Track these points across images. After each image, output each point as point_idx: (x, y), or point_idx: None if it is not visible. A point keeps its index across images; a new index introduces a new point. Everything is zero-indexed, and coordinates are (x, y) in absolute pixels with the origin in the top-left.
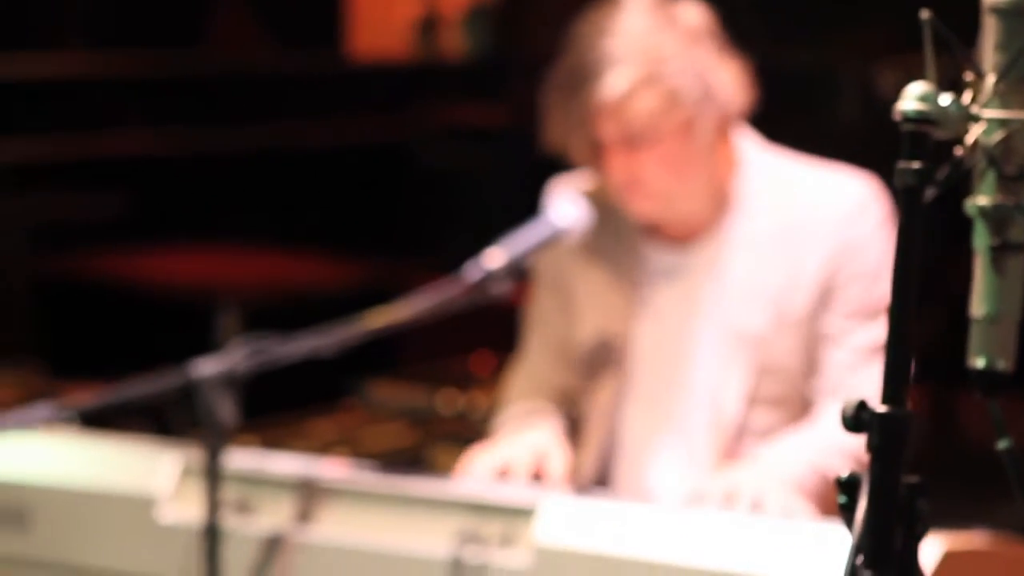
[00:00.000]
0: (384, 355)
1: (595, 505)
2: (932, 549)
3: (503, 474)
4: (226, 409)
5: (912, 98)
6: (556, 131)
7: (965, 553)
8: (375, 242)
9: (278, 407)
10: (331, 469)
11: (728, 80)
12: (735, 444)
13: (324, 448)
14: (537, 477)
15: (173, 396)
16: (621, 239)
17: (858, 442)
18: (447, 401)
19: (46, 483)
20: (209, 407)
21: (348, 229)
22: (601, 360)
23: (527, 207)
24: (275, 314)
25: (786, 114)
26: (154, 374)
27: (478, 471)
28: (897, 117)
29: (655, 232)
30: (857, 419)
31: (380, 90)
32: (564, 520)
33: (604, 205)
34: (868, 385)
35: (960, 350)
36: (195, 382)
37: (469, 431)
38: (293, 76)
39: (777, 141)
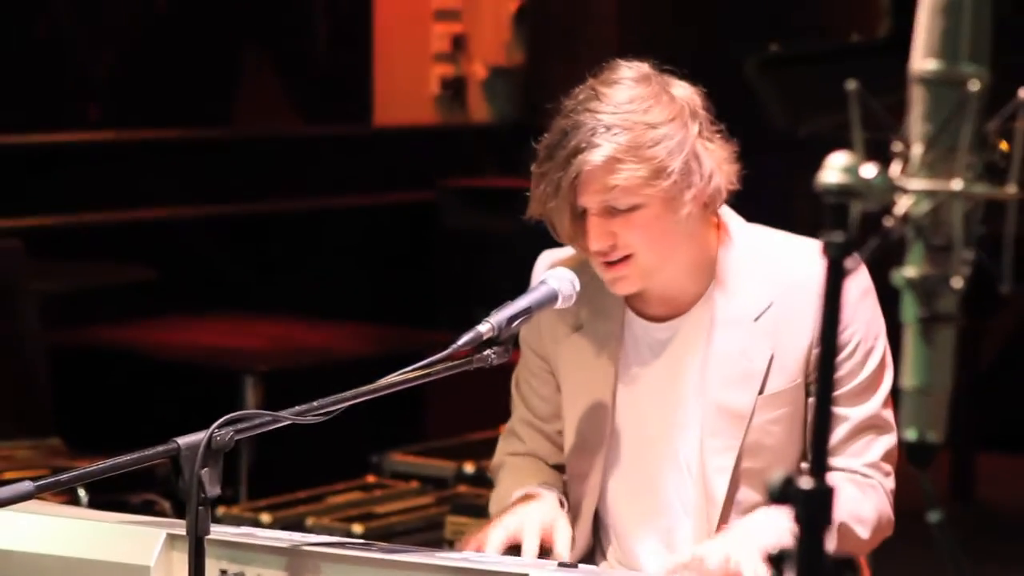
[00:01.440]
0: (411, 429)
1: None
2: None
3: (513, 548)
4: (210, 480)
5: (834, 169)
6: (540, 198)
7: None
8: (401, 308)
9: (304, 482)
10: (318, 539)
11: (713, 158)
12: (724, 522)
13: (339, 520)
14: (544, 550)
15: (168, 468)
16: (606, 312)
17: (844, 507)
18: (467, 473)
19: (39, 552)
20: (192, 478)
21: (374, 296)
22: (586, 433)
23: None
24: (299, 383)
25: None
26: (141, 448)
27: (490, 547)
28: (818, 189)
29: (641, 306)
30: (784, 493)
31: (405, 156)
32: None
33: (590, 278)
34: (857, 460)
35: (979, 415)
36: (179, 454)
37: (486, 503)
38: (318, 145)
39: (799, 205)
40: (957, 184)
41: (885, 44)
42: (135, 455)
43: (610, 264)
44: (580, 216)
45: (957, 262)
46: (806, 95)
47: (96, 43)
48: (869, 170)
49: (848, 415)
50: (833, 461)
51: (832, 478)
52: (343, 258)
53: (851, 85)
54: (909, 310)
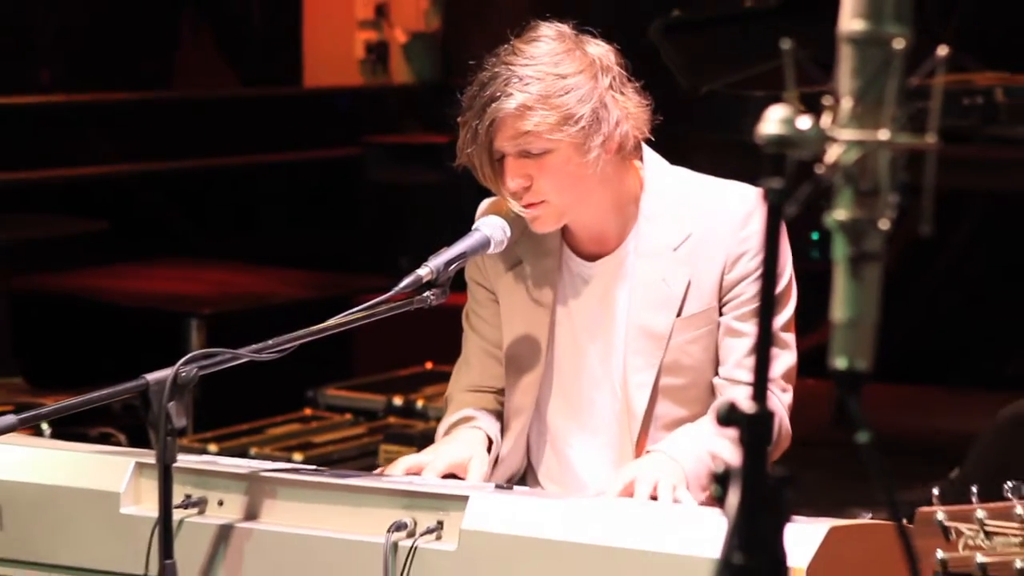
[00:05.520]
0: (344, 366)
1: (516, 497)
2: (820, 526)
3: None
4: (177, 413)
5: (773, 121)
6: (462, 144)
7: (848, 527)
8: (330, 256)
9: (246, 416)
10: (276, 466)
11: (625, 112)
12: (644, 433)
13: (280, 449)
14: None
15: (136, 404)
16: (546, 251)
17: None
18: (396, 405)
19: (14, 480)
20: (160, 411)
21: (305, 244)
22: (525, 359)
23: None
24: (239, 324)
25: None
26: (111, 384)
27: (392, 473)
28: (758, 140)
29: (576, 245)
30: (729, 417)
31: (333, 115)
32: (489, 509)
33: (526, 224)
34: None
35: (929, 350)
36: (148, 389)
37: (415, 433)
38: (253, 105)
39: None
40: (883, 134)
41: (777, 9)
42: (107, 390)
43: (523, 203)
44: (499, 161)
45: (883, 205)
46: (705, 56)
47: (45, 10)
48: (804, 122)
49: (749, 332)
50: (736, 374)
51: (735, 393)
52: (277, 209)
53: (786, 44)
54: (839, 249)
